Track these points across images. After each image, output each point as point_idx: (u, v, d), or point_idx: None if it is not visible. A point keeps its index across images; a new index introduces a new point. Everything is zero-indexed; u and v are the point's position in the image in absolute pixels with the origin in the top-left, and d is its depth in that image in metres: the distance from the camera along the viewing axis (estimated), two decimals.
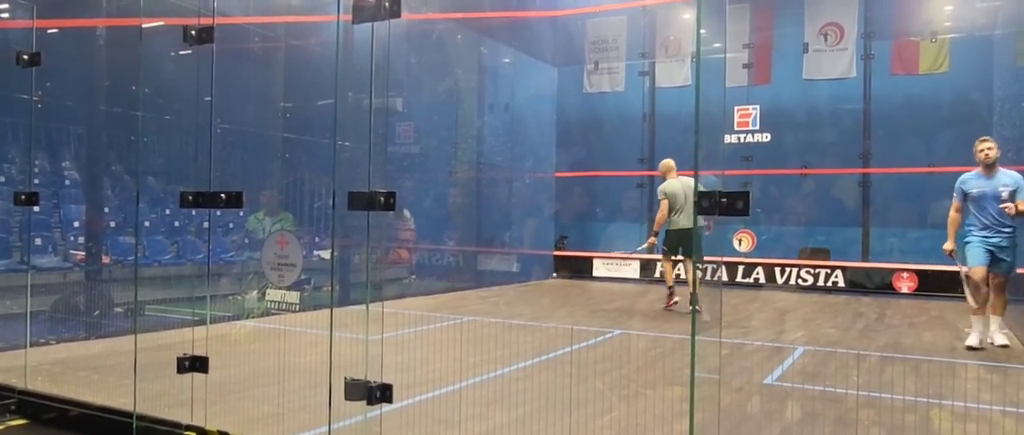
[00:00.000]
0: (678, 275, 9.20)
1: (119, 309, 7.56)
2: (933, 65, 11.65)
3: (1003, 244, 6.48)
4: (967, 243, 6.62)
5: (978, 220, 6.59)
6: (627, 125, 13.73)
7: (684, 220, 8.79)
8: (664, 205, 8.86)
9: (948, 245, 6.75)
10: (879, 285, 11.40)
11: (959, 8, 11.87)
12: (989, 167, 6.52)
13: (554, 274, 13.63)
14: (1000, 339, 6.62)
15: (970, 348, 6.59)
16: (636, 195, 13.87)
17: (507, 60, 13.80)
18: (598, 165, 14.13)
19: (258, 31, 11.48)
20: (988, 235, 6.54)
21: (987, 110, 10.81)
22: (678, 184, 8.84)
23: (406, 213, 11.66)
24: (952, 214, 6.77)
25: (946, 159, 11.52)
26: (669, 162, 9.09)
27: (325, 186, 11.67)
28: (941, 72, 11.61)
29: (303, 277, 8.27)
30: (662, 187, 8.98)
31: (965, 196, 6.67)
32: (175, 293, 7.87)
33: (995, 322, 6.67)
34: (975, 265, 6.53)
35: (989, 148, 6.51)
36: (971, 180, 6.66)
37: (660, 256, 9.43)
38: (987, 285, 6.49)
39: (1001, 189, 6.48)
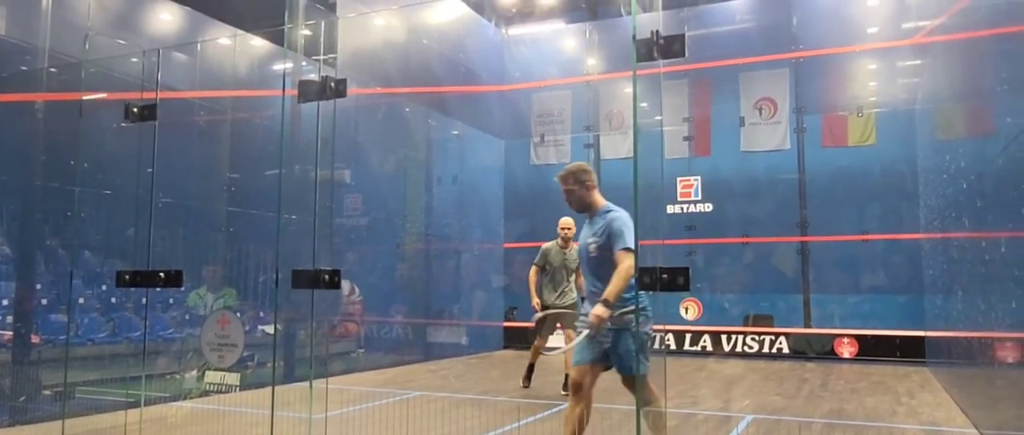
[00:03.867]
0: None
1: (48, 392, 7.20)
2: (861, 138, 12.23)
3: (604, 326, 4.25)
4: None
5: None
6: None
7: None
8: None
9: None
10: (821, 351, 11.62)
11: (882, 84, 12.56)
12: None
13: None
14: None
15: None
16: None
17: (455, 133, 13.99)
18: (546, 236, 14.16)
19: (203, 105, 11.43)
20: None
21: (913, 180, 11.34)
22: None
23: (346, 285, 11.51)
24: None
25: (878, 227, 12.01)
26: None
27: (271, 260, 11.47)
28: (869, 144, 12.19)
29: (246, 354, 8.04)
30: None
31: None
32: (109, 374, 7.55)
33: None
34: (574, 362, 4.41)
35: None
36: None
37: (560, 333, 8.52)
38: (583, 389, 4.31)
39: (590, 241, 4.40)
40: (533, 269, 8.13)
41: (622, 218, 4.24)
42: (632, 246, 4.05)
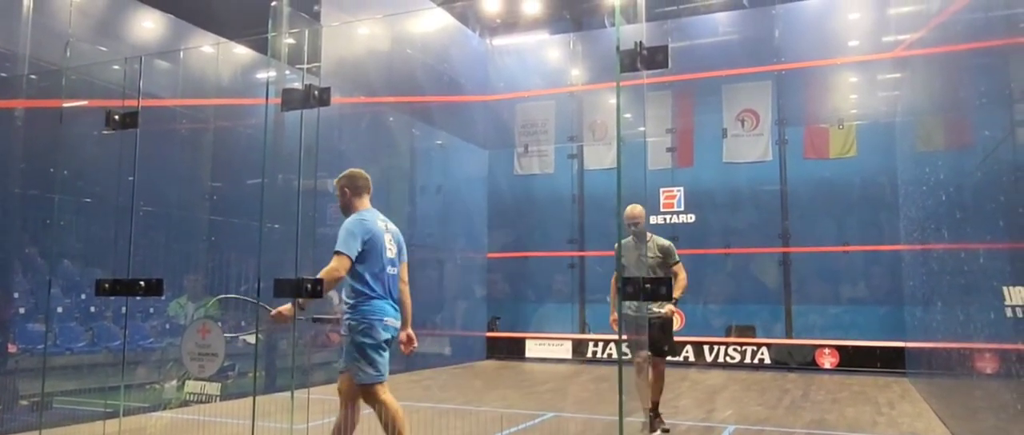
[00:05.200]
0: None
1: (25, 402, 7.09)
2: (842, 150, 12.36)
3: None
4: None
5: None
6: (557, 206, 13.98)
7: None
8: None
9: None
10: (803, 362, 11.69)
11: (863, 97, 12.71)
12: None
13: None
14: None
15: None
16: (567, 276, 14.01)
17: (439, 142, 13.99)
18: (529, 246, 14.26)
19: (185, 113, 11.35)
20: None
21: (893, 192, 11.46)
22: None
23: (334, 296, 11.41)
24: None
25: (859, 239, 12.13)
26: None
27: (253, 269, 11.38)
28: (850, 156, 12.32)
29: (227, 364, 7.97)
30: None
31: None
32: (88, 384, 7.45)
33: None
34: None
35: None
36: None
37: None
38: (342, 394, 4.31)
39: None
40: (615, 276, 5.84)
41: (346, 222, 4.19)
42: (341, 249, 3.99)
